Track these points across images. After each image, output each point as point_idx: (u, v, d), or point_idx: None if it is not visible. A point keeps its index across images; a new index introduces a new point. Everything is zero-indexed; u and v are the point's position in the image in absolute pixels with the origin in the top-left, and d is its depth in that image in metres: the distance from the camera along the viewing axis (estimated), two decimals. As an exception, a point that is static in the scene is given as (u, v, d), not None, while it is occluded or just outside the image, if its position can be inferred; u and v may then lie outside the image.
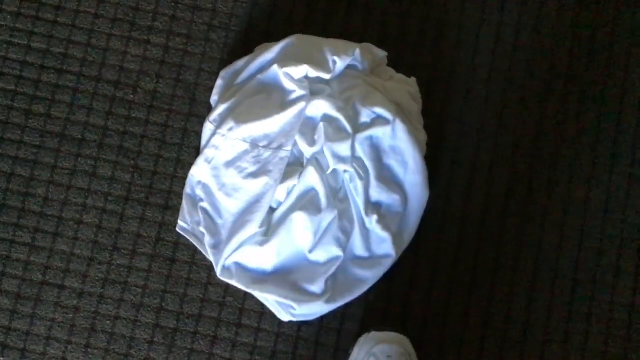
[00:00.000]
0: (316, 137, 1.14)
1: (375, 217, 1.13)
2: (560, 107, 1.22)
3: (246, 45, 1.23)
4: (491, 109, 1.21)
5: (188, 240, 1.17)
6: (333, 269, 1.12)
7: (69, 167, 1.19)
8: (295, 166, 1.14)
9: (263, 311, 1.15)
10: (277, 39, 1.22)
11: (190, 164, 1.18)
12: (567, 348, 1.15)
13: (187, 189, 1.17)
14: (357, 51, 1.15)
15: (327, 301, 1.13)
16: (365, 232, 1.14)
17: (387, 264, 1.14)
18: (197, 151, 1.19)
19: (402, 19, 1.23)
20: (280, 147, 1.12)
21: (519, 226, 1.18)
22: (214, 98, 1.20)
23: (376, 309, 1.16)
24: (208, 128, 1.16)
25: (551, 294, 1.16)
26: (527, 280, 1.17)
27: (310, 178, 1.12)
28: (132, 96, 1.21)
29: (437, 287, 1.16)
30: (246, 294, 1.15)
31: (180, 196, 1.18)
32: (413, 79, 1.19)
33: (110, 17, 1.23)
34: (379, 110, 1.13)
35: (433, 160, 1.18)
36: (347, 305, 1.14)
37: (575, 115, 1.21)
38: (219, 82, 1.20)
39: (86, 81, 1.21)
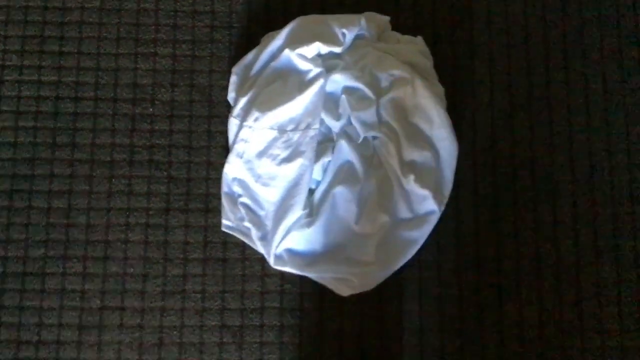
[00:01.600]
0: (340, 110, 1.10)
1: (412, 177, 1.10)
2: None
3: (251, 39, 1.20)
4: (498, 51, 1.19)
5: (235, 237, 1.13)
6: (382, 236, 1.09)
7: (104, 191, 1.15)
8: (326, 143, 1.11)
9: (323, 292, 1.12)
10: (278, 27, 1.19)
11: (221, 164, 1.15)
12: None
13: (224, 188, 1.13)
14: (363, 20, 1.12)
15: (383, 268, 1.10)
16: (405, 193, 1.11)
17: (432, 221, 1.11)
18: (225, 150, 1.16)
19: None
20: (308, 127, 1.09)
21: (546, 163, 1.16)
22: (231, 95, 1.17)
23: (431, 267, 1.13)
24: (233, 124, 1.12)
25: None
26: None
27: (343, 151, 1.09)
28: (151, 110, 1.17)
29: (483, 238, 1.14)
30: (302, 277, 1.12)
31: (218, 197, 1.14)
32: (419, 38, 1.16)
33: (114, 38, 1.19)
34: (396, 72, 1.10)
35: (453, 111, 1.15)
36: (402, 268, 1.11)
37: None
38: (233, 79, 1.16)
39: (103, 104, 1.17)
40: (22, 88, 1.18)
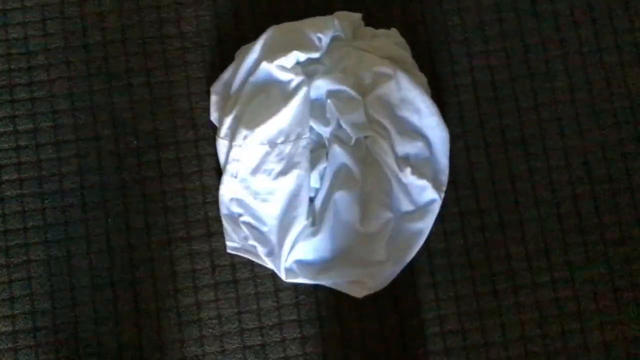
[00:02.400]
0: (328, 115, 1.08)
1: (408, 170, 1.08)
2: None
3: (224, 56, 1.16)
4: (473, 32, 1.17)
5: (243, 257, 1.10)
6: (389, 232, 1.07)
7: (102, 232, 1.11)
8: (318, 150, 1.08)
9: (339, 297, 1.10)
10: (250, 39, 1.15)
11: (215, 187, 1.11)
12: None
13: (223, 210, 1.10)
14: (335, 21, 1.09)
15: (394, 263, 1.08)
16: (405, 187, 1.09)
17: (435, 209, 1.10)
18: (217, 172, 1.12)
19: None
20: (298, 138, 1.06)
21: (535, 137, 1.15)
22: (213, 115, 1.13)
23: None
24: (222, 144, 1.09)
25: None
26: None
27: (337, 155, 1.07)
28: (135, 142, 1.13)
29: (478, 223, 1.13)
30: (316, 286, 1.10)
31: (218, 220, 1.11)
32: (394, 30, 1.14)
33: (84, 75, 1.15)
34: (377, 69, 1.08)
35: (438, 98, 1.13)
36: (412, 261, 1.10)
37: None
38: (214, 98, 1.13)
39: (85, 144, 1.13)
40: (0, 140, 1.13)
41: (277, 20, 1.15)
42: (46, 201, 1.11)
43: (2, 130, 1.13)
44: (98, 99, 1.14)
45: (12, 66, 1.14)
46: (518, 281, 1.11)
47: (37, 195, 1.11)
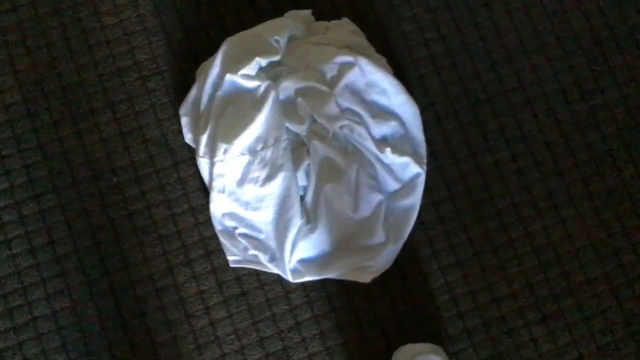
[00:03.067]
0: (301, 113, 1.08)
1: (388, 150, 1.09)
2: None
3: (185, 76, 1.15)
4: (420, 8, 1.19)
5: (247, 268, 1.10)
6: (382, 213, 1.08)
7: (101, 274, 1.08)
8: (299, 149, 1.08)
9: (348, 286, 1.10)
10: (206, 55, 1.14)
11: (204, 206, 1.10)
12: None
13: (217, 226, 1.09)
14: (288, 21, 1.09)
15: (394, 242, 1.09)
16: (388, 167, 1.10)
17: (421, 183, 1.11)
18: (204, 191, 1.11)
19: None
20: (277, 141, 1.06)
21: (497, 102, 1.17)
22: (187, 137, 1.12)
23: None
24: (203, 163, 1.08)
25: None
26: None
27: (318, 150, 1.07)
28: (115, 179, 1.11)
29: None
30: (324, 280, 1.10)
31: (214, 238, 1.10)
32: (345, 19, 1.15)
33: (50, 122, 1.12)
34: (339, 59, 1.08)
35: (399, 76, 1.15)
36: (409, 237, 1.11)
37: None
38: (184, 120, 1.12)
39: (66, 192, 1.10)
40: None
41: (228, 32, 1.15)
42: (38, 256, 1.08)
43: (-23, 195, 1.09)
44: (68, 144, 1.11)
45: (-26, 129, 1.10)
46: (512, 234, 1.13)
47: (28, 252, 1.08)
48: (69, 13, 1.15)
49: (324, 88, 1.06)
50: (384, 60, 1.13)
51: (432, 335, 1.09)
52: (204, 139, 1.07)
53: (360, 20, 1.17)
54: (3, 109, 1.11)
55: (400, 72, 1.15)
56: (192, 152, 1.11)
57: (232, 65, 1.07)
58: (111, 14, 1.15)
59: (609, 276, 1.13)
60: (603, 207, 1.14)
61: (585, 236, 1.13)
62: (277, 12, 1.15)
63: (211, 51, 1.14)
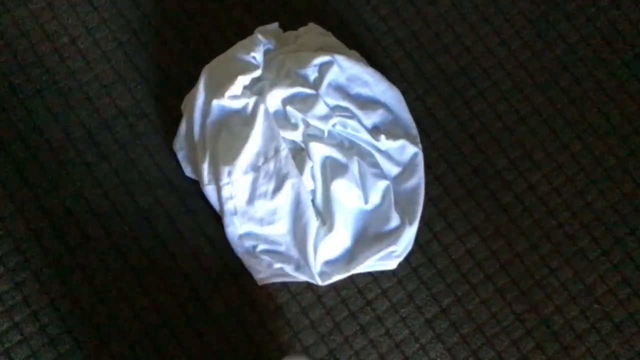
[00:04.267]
0: (293, 120, 1.08)
1: (382, 137, 1.10)
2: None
3: (171, 113, 1.14)
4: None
5: (275, 283, 1.09)
6: (392, 197, 1.09)
7: (141, 328, 1.06)
8: (299, 154, 1.08)
9: (377, 277, 1.10)
10: (186, 87, 1.14)
11: (219, 233, 1.09)
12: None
13: (237, 249, 1.08)
14: (259, 36, 1.10)
15: (410, 223, 1.09)
16: (386, 154, 1.11)
17: (420, 161, 1.12)
18: (215, 218, 1.10)
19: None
20: (276, 151, 1.06)
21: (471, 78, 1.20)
22: (187, 170, 1.11)
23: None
24: (210, 190, 1.07)
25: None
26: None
27: (318, 151, 1.07)
28: (127, 228, 1.09)
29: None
30: (352, 276, 1.09)
31: (237, 262, 1.09)
32: (311, 24, 1.16)
33: (49, 188, 1.10)
34: (317, 61, 1.09)
35: (374, 65, 1.16)
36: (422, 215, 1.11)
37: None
38: (180, 155, 1.11)
39: (81, 252, 1.08)
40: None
41: (202, 60, 1.15)
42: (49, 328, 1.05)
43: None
44: (71, 205, 1.09)
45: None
46: (516, 189, 1.14)
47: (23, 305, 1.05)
48: (43, 79, 1.14)
49: (310, 91, 1.07)
50: (357, 54, 1.14)
51: (468, 302, 1.09)
52: (205, 167, 1.06)
53: (324, 23, 1.18)
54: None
55: (373, 62, 1.17)
56: (195, 185, 1.11)
57: (215, 91, 1.07)
58: (85, 71, 1.15)
59: (615, 207, 1.15)
60: (593, 145, 1.17)
61: (584, 176, 1.15)
62: (244, 34, 1.16)
63: (190, 82, 1.14)
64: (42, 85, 1.13)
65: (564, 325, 1.09)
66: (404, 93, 1.14)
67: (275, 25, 1.13)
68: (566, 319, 1.09)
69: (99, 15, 1.17)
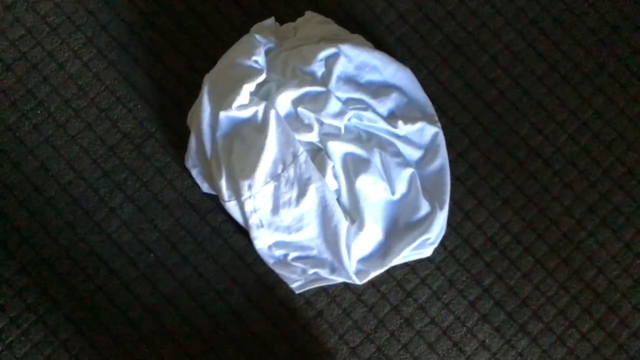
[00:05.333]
0: (306, 121, 1.02)
1: (400, 122, 1.05)
2: None
3: (176, 131, 1.08)
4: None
5: (312, 289, 1.05)
6: (419, 184, 1.04)
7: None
8: (319, 155, 1.03)
9: (413, 267, 1.06)
10: (188, 99, 1.08)
11: (248, 246, 1.05)
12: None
13: (269, 260, 1.04)
14: (256, 36, 1.03)
15: (441, 208, 1.05)
16: (405, 139, 1.06)
17: (441, 140, 1.07)
18: (242, 233, 1.06)
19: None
20: (295, 156, 1.00)
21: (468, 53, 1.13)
22: (204, 187, 1.06)
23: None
24: (232, 206, 1.02)
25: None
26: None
27: (337, 149, 1.02)
28: (152, 255, 1.05)
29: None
30: (388, 270, 1.06)
31: (270, 272, 1.05)
32: (308, 13, 1.09)
33: (66, 227, 1.05)
34: (322, 55, 1.03)
35: (380, 47, 1.10)
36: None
37: None
38: (195, 172, 1.06)
39: (109, 283, 1.04)
40: None
41: (199, 69, 1.08)
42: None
43: None
44: (92, 239, 1.05)
45: None
46: (543, 154, 1.10)
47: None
48: (38, 112, 1.07)
49: (320, 88, 1.01)
50: (361, 38, 1.08)
51: (509, 277, 1.06)
52: (223, 183, 1.01)
53: (320, 10, 1.11)
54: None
55: (378, 43, 1.10)
56: (214, 200, 1.06)
57: (220, 101, 1.00)
58: (80, 97, 1.08)
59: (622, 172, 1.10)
60: (616, 96, 1.11)
61: (610, 129, 1.10)
62: (239, 32, 1.09)
63: (190, 93, 1.07)
64: (37, 120, 1.07)
65: (608, 286, 1.06)
66: (415, 71, 1.08)
67: (271, 21, 1.06)
68: (609, 279, 1.06)
69: (84, 34, 1.09)
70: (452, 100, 1.10)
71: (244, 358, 1.02)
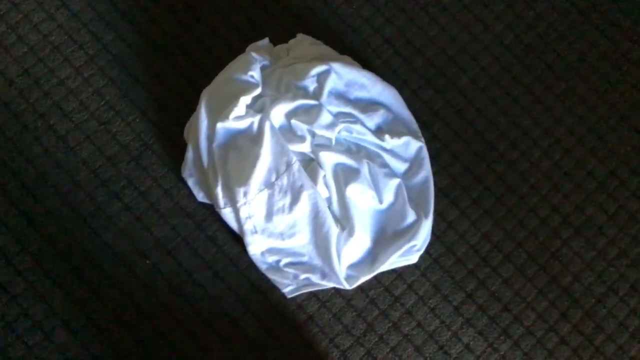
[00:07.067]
0: (299, 133, 1.07)
1: (387, 136, 1.10)
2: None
3: (173, 141, 1.12)
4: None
5: (304, 294, 1.08)
6: (405, 194, 1.09)
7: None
8: (311, 165, 1.07)
9: (400, 274, 1.10)
10: (185, 113, 1.12)
11: (241, 253, 1.08)
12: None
13: (262, 266, 1.07)
14: (252, 54, 1.09)
15: (426, 217, 1.10)
16: (392, 152, 1.11)
17: (425, 154, 1.13)
18: (236, 239, 1.09)
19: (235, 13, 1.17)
20: (288, 165, 1.05)
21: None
22: (199, 196, 1.09)
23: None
24: (228, 213, 1.05)
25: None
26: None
27: (328, 159, 1.07)
28: (148, 261, 1.07)
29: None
30: (376, 276, 1.10)
31: (263, 278, 1.08)
32: (300, 35, 1.15)
33: (62, 232, 1.07)
34: (314, 71, 1.08)
35: (367, 66, 1.16)
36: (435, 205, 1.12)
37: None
38: (191, 182, 1.09)
39: (106, 292, 1.05)
40: None
41: (196, 85, 1.13)
42: None
43: None
44: (90, 246, 1.06)
45: None
46: (520, 168, 1.16)
47: None
48: (39, 125, 1.10)
49: (312, 102, 1.06)
50: (349, 59, 1.14)
51: (491, 283, 1.10)
52: (219, 191, 1.04)
53: (311, 33, 1.17)
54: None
55: (365, 64, 1.17)
56: (209, 209, 1.09)
57: (217, 114, 1.05)
58: (80, 111, 1.12)
59: (614, 173, 1.17)
60: (585, 115, 1.18)
61: (581, 146, 1.17)
62: (235, 52, 1.14)
63: (187, 108, 1.12)
64: (38, 132, 1.10)
65: (584, 292, 1.11)
66: (400, 90, 1.15)
67: (265, 41, 1.12)
68: (585, 285, 1.11)
69: (85, 52, 1.14)
70: (434, 117, 1.16)
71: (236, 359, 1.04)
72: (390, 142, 1.09)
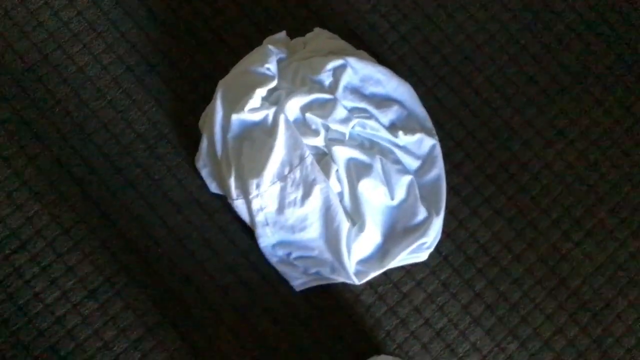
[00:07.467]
0: (313, 127, 1.07)
1: (400, 133, 1.10)
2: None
3: (188, 131, 1.13)
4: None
5: (313, 288, 1.08)
6: (417, 191, 1.09)
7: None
8: (324, 159, 1.08)
9: (409, 270, 1.10)
10: (201, 104, 1.13)
11: (252, 244, 1.08)
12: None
13: (272, 259, 1.08)
14: (269, 47, 1.09)
15: (437, 214, 1.10)
16: (405, 149, 1.11)
17: (438, 152, 1.13)
18: (247, 231, 1.09)
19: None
20: (301, 159, 1.05)
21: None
22: (212, 186, 1.10)
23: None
24: (240, 204, 1.06)
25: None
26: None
27: (341, 154, 1.07)
28: (159, 250, 1.08)
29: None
30: (385, 272, 1.10)
31: (274, 272, 1.08)
32: (317, 29, 1.15)
33: (77, 220, 1.08)
34: (330, 66, 1.08)
35: (382, 62, 1.16)
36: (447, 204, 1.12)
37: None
38: (204, 172, 1.10)
39: (116, 279, 1.06)
40: None
41: (212, 76, 1.13)
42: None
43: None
44: (102, 234, 1.07)
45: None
46: (533, 169, 1.15)
47: None
48: (56, 111, 1.11)
49: (327, 96, 1.06)
50: (365, 54, 1.14)
51: (500, 283, 1.10)
52: (232, 182, 1.05)
53: (328, 27, 1.17)
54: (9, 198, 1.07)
55: (381, 60, 1.17)
56: (222, 200, 1.09)
57: (232, 105, 1.05)
58: (97, 98, 1.12)
59: (628, 176, 1.16)
60: (600, 119, 1.18)
61: (595, 149, 1.16)
62: (251, 46, 1.14)
63: (203, 99, 1.12)
64: (55, 118, 1.11)
65: (593, 295, 1.11)
66: (415, 87, 1.14)
67: (282, 34, 1.12)
68: (594, 288, 1.11)
69: (104, 41, 1.14)
70: (448, 115, 1.16)
71: (244, 352, 1.04)
72: (403, 138, 1.09)
